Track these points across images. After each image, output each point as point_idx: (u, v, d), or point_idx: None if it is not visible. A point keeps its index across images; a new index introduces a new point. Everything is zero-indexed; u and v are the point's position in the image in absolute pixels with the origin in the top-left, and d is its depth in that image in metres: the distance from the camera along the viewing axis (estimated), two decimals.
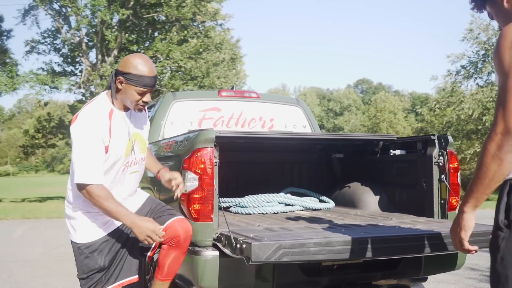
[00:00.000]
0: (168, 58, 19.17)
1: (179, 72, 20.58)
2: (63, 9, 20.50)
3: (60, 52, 22.89)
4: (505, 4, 1.80)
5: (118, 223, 2.58)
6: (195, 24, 20.98)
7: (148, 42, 20.50)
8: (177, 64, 19.36)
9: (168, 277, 2.65)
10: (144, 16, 20.55)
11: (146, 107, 2.73)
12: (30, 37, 43.82)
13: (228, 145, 4.04)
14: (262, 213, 3.82)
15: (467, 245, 1.75)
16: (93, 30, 20.41)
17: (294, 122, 5.00)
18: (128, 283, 2.69)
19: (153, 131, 4.49)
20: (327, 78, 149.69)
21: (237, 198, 4.03)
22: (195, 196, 2.85)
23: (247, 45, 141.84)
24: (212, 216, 2.86)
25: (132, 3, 20.14)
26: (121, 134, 2.51)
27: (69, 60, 22.94)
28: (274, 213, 3.85)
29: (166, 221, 2.62)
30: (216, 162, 2.91)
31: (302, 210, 4.08)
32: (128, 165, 2.61)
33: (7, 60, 22.32)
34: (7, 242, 8.26)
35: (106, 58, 20.88)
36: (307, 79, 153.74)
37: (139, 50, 19.96)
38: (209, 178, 2.86)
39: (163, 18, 20.74)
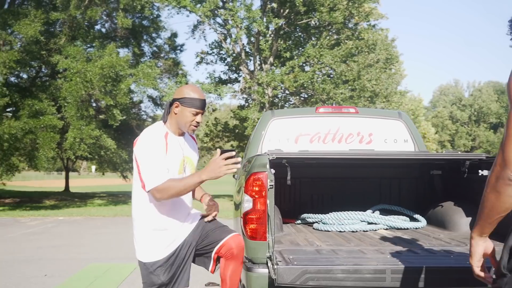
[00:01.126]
0: (319, 62, 19.49)
1: (330, 76, 20.76)
2: (225, 22, 22.18)
3: (226, 62, 24.85)
4: None
5: (178, 243, 2.91)
6: (348, 26, 20.94)
7: (300, 49, 21.06)
8: (328, 68, 19.56)
9: None
10: (298, 23, 21.20)
11: (194, 136, 3.13)
12: (197, 50, 48.17)
13: (312, 161, 4.18)
14: (340, 231, 3.89)
15: (477, 271, 1.76)
16: (251, 40, 21.70)
17: (395, 137, 4.89)
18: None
19: (252, 148, 4.83)
20: (507, 71, 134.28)
21: (320, 214, 4.15)
22: (250, 216, 3.09)
23: (407, 43, 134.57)
24: (266, 235, 3.07)
25: (287, 10, 20.96)
26: (176, 153, 2.86)
27: (233, 68, 24.78)
28: (352, 231, 3.89)
29: (221, 239, 2.92)
30: (271, 185, 3.11)
31: (386, 229, 4.03)
32: None
33: (180, 72, 24.94)
34: None
35: (263, 65, 22.05)
36: (483, 73, 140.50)
37: (292, 56, 20.63)
38: (262, 200, 3.07)
39: (316, 23, 21.14)
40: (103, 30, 23.50)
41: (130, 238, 9.18)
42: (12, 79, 21.79)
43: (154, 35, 25.11)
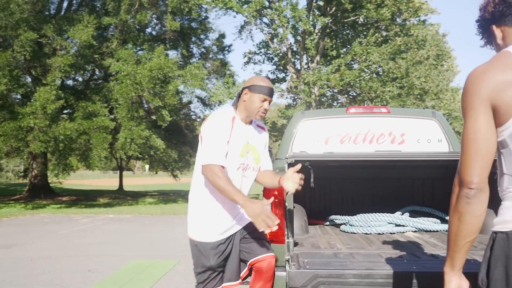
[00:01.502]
0: (366, 60, 19.20)
1: (378, 74, 20.40)
2: (271, 22, 22.24)
3: (273, 61, 24.94)
4: (498, 41, 1.69)
5: (229, 234, 2.93)
6: (397, 22, 20.51)
7: (348, 47, 20.83)
8: (375, 66, 19.23)
9: None
10: (344, 21, 20.96)
11: (264, 127, 3.19)
12: (244, 50, 48.52)
13: (342, 162, 4.17)
14: (366, 233, 3.86)
15: None
16: (297, 39, 21.66)
17: (428, 137, 4.78)
18: (232, 287, 3.02)
19: (282, 149, 4.86)
20: None
21: (348, 216, 4.13)
22: None
23: (460, 37, 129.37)
24: (283, 238, 3.10)
25: (334, 8, 20.78)
26: (239, 138, 2.92)
27: (280, 67, 24.84)
28: (379, 233, 3.85)
29: (260, 253, 2.93)
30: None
31: (415, 232, 3.96)
32: (243, 167, 2.96)
33: (227, 72, 25.25)
34: None
35: (310, 64, 21.96)
36: None
37: (339, 55, 20.44)
38: (280, 205, 3.09)
39: (363, 20, 20.83)
40: (153, 33, 24.16)
41: (173, 236, 9.37)
42: (69, 82, 22.82)
43: (202, 36, 25.54)
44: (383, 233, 3.85)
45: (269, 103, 2.96)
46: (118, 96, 17.94)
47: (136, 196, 25.14)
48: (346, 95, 22.61)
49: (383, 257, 2.92)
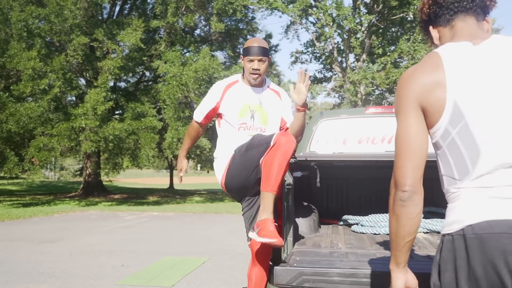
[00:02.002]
0: (413, 58, 18.77)
1: None
2: (316, 21, 22.16)
3: (320, 60, 24.84)
4: (436, 41, 1.70)
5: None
6: None
7: (395, 45, 20.41)
8: None
9: (273, 189, 2.80)
10: (392, 18, 20.57)
11: (279, 91, 3.32)
12: (291, 50, 48.44)
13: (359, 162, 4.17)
14: (374, 234, 3.85)
15: None
16: (343, 37, 21.46)
17: None
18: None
19: (299, 149, 4.90)
20: None
21: (359, 216, 4.12)
22: None
23: None
24: (282, 237, 3.15)
25: (381, 6, 20.44)
26: (236, 99, 3.14)
27: (328, 66, 24.70)
28: (387, 234, 3.82)
29: (272, 137, 2.88)
30: (288, 187, 3.18)
31: (426, 233, 3.90)
32: (245, 127, 3.14)
33: (273, 72, 25.36)
34: None
35: (356, 63, 21.71)
36: None
37: (385, 53, 20.08)
38: (278, 203, 3.15)
39: (411, 17, 20.36)
40: (201, 34, 24.60)
41: (209, 234, 9.57)
42: (120, 84, 23.66)
43: (248, 37, 25.77)
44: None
45: (260, 62, 3.06)
46: (165, 97, 18.43)
47: (185, 195, 25.68)
48: (393, 94, 22.16)
49: (376, 256, 2.92)
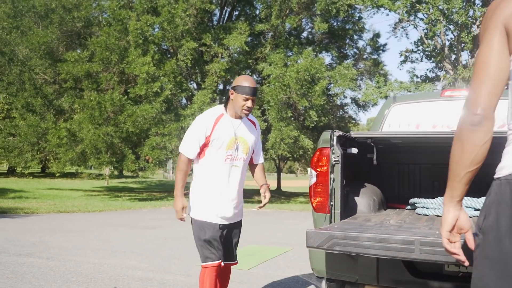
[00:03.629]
0: None
1: None
2: (426, 16, 21.21)
3: (431, 59, 23.72)
4: None
5: (224, 222, 3.38)
6: None
7: None
8: None
9: None
10: None
11: (255, 121, 3.57)
12: (400, 48, 46.36)
13: (433, 147, 4.03)
14: (438, 215, 3.67)
15: (445, 244, 1.54)
16: (453, 33, 20.32)
17: None
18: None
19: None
20: None
21: (424, 199, 3.96)
22: (315, 190, 3.22)
23: None
24: (328, 208, 3.16)
25: None
26: (225, 132, 3.31)
27: (440, 65, 23.51)
28: None
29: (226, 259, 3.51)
30: (336, 161, 3.18)
31: None
32: (231, 158, 3.35)
33: (381, 72, 24.69)
34: None
35: (469, 60, 20.41)
36: None
37: None
38: (325, 175, 3.16)
39: None
40: (306, 36, 24.77)
41: (299, 229, 9.62)
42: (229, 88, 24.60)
43: (355, 37, 25.41)
44: None
45: (253, 101, 3.30)
46: (269, 97, 18.85)
47: (290, 196, 25.98)
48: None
49: (413, 229, 2.81)
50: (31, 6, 20.01)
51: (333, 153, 3.18)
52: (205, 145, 3.31)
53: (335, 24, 23.65)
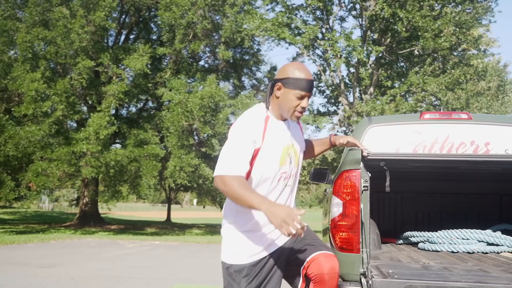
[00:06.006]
0: (423, 91, 18.45)
1: (435, 106, 19.54)
2: (324, 54, 21.94)
3: (324, 94, 24.55)
4: None
5: (269, 251, 2.42)
6: (454, 53, 19.72)
7: (402, 80, 20.18)
8: (432, 98, 18.40)
9: None
10: (399, 52, 20.37)
11: (301, 124, 2.67)
12: None
13: (417, 174, 3.63)
14: (453, 251, 3.25)
15: None
16: (350, 70, 21.24)
17: None
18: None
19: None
20: None
21: (427, 232, 3.53)
22: (340, 223, 2.62)
23: None
24: (359, 246, 2.56)
25: (388, 39, 20.26)
26: (276, 141, 2.40)
27: (332, 100, 24.39)
28: (469, 252, 3.23)
29: (312, 253, 2.39)
30: (365, 187, 2.61)
31: None
32: (284, 176, 2.44)
33: None
34: None
35: (363, 96, 21.38)
36: None
37: (394, 85, 19.81)
38: (355, 204, 2.58)
39: (420, 52, 20.19)
40: (206, 65, 24.37)
41: (213, 264, 8.86)
42: (123, 112, 23.22)
43: (254, 68, 25.60)
44: (473, 252, 3.22)
45: (309, 98, 2.38)
46: (169, 124, 17.94)
47: (183, 228, 24.87)
48: None
49: (490, 272, 2.32)
50: None
51: (362, 177, 2.62)
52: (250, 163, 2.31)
53: (236, 54, 23.61)
